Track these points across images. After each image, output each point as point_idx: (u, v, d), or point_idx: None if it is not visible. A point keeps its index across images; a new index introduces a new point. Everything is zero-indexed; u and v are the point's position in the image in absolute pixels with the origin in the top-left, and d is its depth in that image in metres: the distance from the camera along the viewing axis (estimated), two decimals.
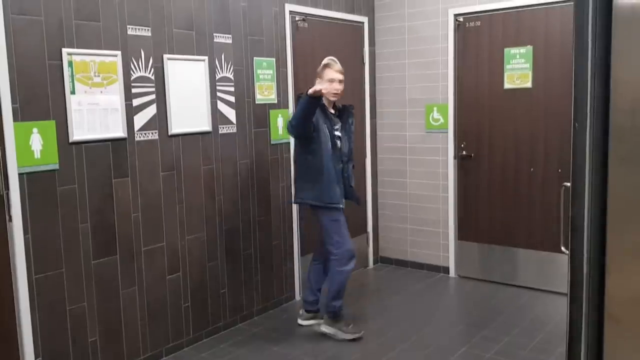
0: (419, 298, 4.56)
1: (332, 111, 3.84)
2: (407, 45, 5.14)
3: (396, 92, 5.24)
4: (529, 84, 4.54)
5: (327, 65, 3.77)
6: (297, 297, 4.56)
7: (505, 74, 4.65)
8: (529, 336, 3.77)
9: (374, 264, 5.47)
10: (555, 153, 4.45)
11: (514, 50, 4.58)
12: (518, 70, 4.58)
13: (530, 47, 4.50)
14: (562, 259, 4.48)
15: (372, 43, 5.27)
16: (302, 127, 3.57)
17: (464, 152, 4.92)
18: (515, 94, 4.61)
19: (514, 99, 4.61)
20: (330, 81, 3.72)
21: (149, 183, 3.47)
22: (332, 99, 3.79)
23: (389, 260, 5.45)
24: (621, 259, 1.64)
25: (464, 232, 5.01)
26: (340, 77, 3.78)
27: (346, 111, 3.93)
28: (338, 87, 3.76)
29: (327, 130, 3.70)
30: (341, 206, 3.76)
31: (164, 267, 3.58)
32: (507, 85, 4.65)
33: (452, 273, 5.06)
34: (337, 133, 3.80)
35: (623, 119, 1.60)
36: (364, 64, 5.21)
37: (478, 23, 4.75)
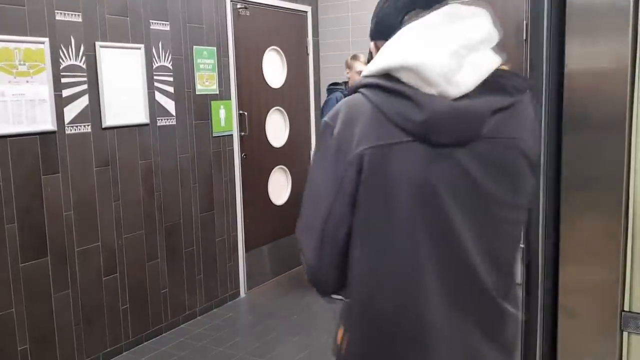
0: None
1: None
2: (351, 36, 5.06)
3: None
4: None
5: (356, 57, 3.88)
6: (243, 294, 4.43)
7: None
8: None
9: None
10: None
11: None
12: None
13: None
14: None
15: (315, 33, 5.16)
16: None
17: None
18: None
19: None
20: (358, 73, 3.81)
21: (82, 179, 3.25)
22: None
23: None
24: (573, 251, 1.63)
25: None
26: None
27: None
28: None
29: None
30: None
31: (100, 268, 3.37)
32: None
33: None
34: None
35: (576, 109, 1.57)
36: (307, 54, 5.10)
37: None
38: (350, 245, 1.16)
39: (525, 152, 1.13)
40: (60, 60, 3.11)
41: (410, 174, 1.09)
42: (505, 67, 1.16)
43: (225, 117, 4.18)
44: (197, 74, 3.94)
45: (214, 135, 4.10)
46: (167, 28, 3.72)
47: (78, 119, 3.21)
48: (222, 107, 4.16)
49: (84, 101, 3.24)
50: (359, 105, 1.14)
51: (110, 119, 3.37)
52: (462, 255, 1.10)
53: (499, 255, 1.15)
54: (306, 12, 5.05)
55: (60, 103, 3.12)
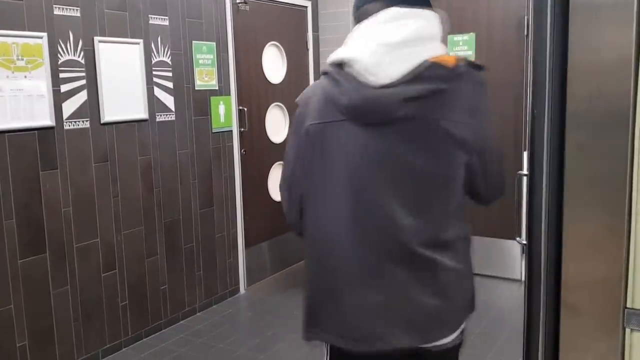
0: None
1: None
2: (349, 31, 5.03)
3: None
4: None
5: None
6: (242, 290, 4.42)
7: None
8: (474, 322, 3.78)
9: None
10: (498, 138, 4.47)
11: (457, 37, 4.57)
12: None
13: (473, 34, 4.50)
14: (499, 245, 4.54)
15: (315, 28, 5.14)
16: None
17: None
18: None
19: None
20: None
21: (81, 175, 3.24)
22: None
23: None
24: (577, 247, 1.61)
25: None
26: None
27: None
28: None
29: None
30: None
31: (99, 265, 3.36)
32: None
33: None
34: None
35: (580, 105, 1.56)
36: (307, 49, 5.08)
37: None
38: (303, 198, 1.53)
39: (448, 130, 1.36)
40: (59, 55, 3.09)
41: (342, 147, 1.41)
42: (441, 59, 1.36)
43: (225, 113, 4.17)
44: (196, 70, 3.92)
45: (213, 131, 4.09)
46: (166, 23, 3.70)
47: (76, 114, 3.19)
48: (221, 102, 4.14)
49: (82, 96, 3.22)
50: (315, 89, 1.50)
51: (109, 114, 3.35)
52: (387, 215, 1.38)
53: (423, 211, 1.40)
54: (306, 7, 5.03)
55: (59, 98, 3.10)
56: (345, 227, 1.42)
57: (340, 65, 1.41)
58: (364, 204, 1.41)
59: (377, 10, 1.41)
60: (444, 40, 1.49)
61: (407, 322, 1.43)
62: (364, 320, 1.44)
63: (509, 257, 4.53)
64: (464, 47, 4.54)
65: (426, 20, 1.40)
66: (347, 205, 1.42)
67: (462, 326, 1.53)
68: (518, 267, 4.44)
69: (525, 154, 4.37)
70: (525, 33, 4.24)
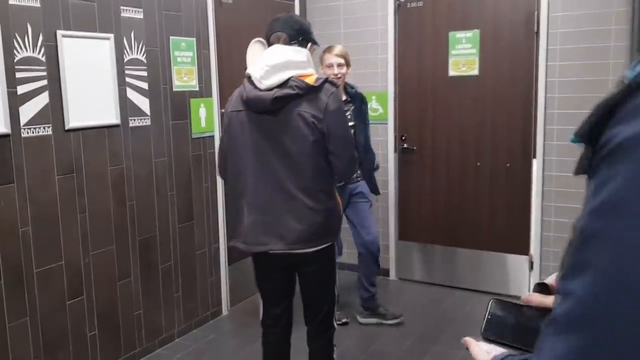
0: (357, 306, 4.12)
1: (342, 98, 3.52)
2: (342, 28, 4.67)
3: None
4: (475, 71, 4.20)
5: (325, 50, 3.62)
6: (225, 311, 4.02)
7: (450, 60, 4.28)
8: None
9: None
10: (504, 146, 4.15)
11: (459, 34, 4.22)
12: (464, 56, 4.23)
13: (477, 31, 4.16)
14: (509, 260, 4.22)
15: None
16: None
17: (405, 145, 4.53)
18: (460, 82, 4.26)
19: (460, 87, 4.26)
20: (328, 66, 3.57)
21: (42, 189, 2.81)
22: (337, 83, 3.53)
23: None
24: None
25: (404, 231, 4.64)
26: (339, 60, 3.57)
27: (359, 97, 3.70)
28: (336, 72, 3.54)
29: None
30: None
31: (64, 291, 2.94)
32: (452, 73, 4.29)
33: (392, 276, 4.69)
34: (350, 122, 3.53)
35: None
36: None
37: (420, 3, 4.35)
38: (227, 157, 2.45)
39: (304, 118, 2.25)
40: (15, 52, 2.67)
41: (244, 126, 2.35)
42: (303, 76, 2.28)
43: (206, 117, 3.76)
44: (174, 68, 3.51)
45: (193, 136, 3.68)
46: (141, 16, 3.28)
47: (36, 119, 2.77)
48: (202, 105, 3.73)
49: (43, 99, 2.79)
50: (237, 90, 2.44)
51: (74, 119, 2.93)
52: (273, 170, 2.31)
53: (294, 169, 2.30)
54: (293, 1, 4.64)
55: (15, 101, 2.68)
56: (250, 175, 2.35)
57: (250, 76, 2.35)
58: (260, 161, 2.33)
59: (273, 44, 2.40)
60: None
61: (279, 235, 2.33)
62: (255, 232, 2.37)
63: (517, 272, 4.20)
64: (467, 44, 4.20)
65: (296, 53, 2.32)
66: (250, 162, 2.34)
67: (324, 245, 2.40)
68: (526, 284, 4.12)
69: (534, 162, 4.05)
70: (535, 30, 3.91)
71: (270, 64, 2.26)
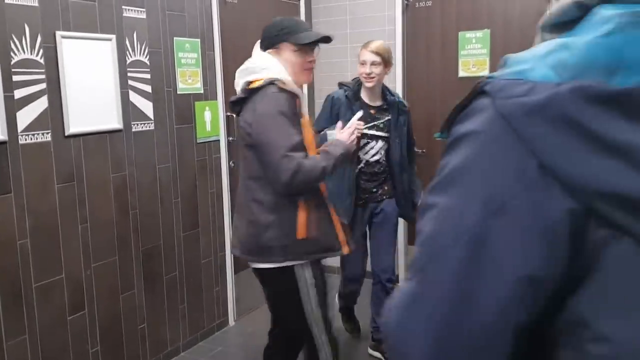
0: (368, 312, 3.96)
1: (376, 103, 3.18)
2: (348, 28, 4.54)
3: (336, 80, 4.61)
4: (486, 72, 4.07)
5: (362, 46, 3.16)
6: (232, 322, 3.88)
7: (460, 61, 4.16)
8: None
9: None
10: None
11: (469, 34, 4.10)
12: (474, 56, 4.11)
13: (487, 31, 4.03)
14: None
15: (308, 25, 4.62)
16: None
17: (415, 149, 4.39)
18: (471, 83, 4.10)
19: (470, 88, 4.13)
20: (361, 64, 3.10)
21: (40, 199, 2.66)
22: (367, 84, 3.11)
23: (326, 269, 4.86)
24: None
25: (413, 235, 4.50)
26: (373, 58, 3.07)
27: (397, 106, 3.20)
28: (367, 71, 3.07)
29: None
30: (345, 222, 2.84)
31: (64, 306, 2.79)
32: (461, 73, 4.17)
33: (402, 282, 4.55)
34: (372, 132, 3.12)
35: None
36: None
37: (429, 3, 4.22)
38: None
39: (241, 124, 2.28)
40: (12, 54, 2.52)
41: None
42: (253, 81, 2.27)
43: (211, 120, 3.62)
44: (178, 70, 3.37)
45: (198, 141, 3.53)
46: (143, 16, 3.14)
47: (35, 125, 2.62)
48: (207, 108, 3.59)
49: (42, 104, 2.65)
50: None
51: (74, 124, 2.78)
52: (241, 171, 2.38)
53: (243, 176, 2.34)
54: (298, 1, 4.51)
55: (12, 106, 2.53)
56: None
57: None
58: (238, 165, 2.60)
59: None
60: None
61: (239, 241, 2.33)
62: (233, 234, 2.44)
63: None
64: (477, 45, 4.07)
65: (259, 59, 2.32)
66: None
67: (268, 265, 2.26)
68: None
69: None
70: None
71: (238, 70, 2.37)
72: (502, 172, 0.56)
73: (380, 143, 3.17)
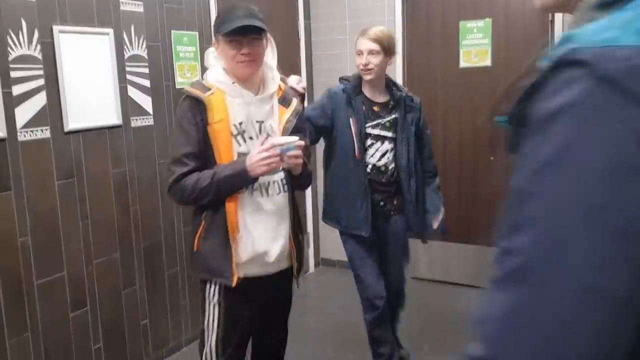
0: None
1: (380, 99, 2.81)
2: (347, 19, 4.49)
3: (335, 73, 4.57)
4: (488, 62, 4.04)
5: (359, 34, 2.78)
6: None
7: (461, 51, 4.12)
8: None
9: (314, 267, 4.86)
10: None
11: (470, 24, 4.06)
12: (475, 46, 4.07)
13: (489, 20, 4.00)
14: None
15: (307, 15, 4.58)
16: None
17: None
18: (472, 73, 4.10)
19: (472, 78, 4.11)
20: (358, 54, 2.73)
21: (40, 196, 2.64)
22: (365, 77, 2.74)
23: (330, 262, 4.86)
24: None
25: None
26: (371, 46, 2.68)
27: (404, 102, 2.81)
28: (364, 61, 2.69)
29: (352, 128, 2.72)
30: (363, 234, 2.76)
31: (66, 303, 2.78)
32: (463, 64, 4.13)
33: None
34: (377, 132, 2.77)
35: None
36: (299, 39, 4.52)
37: None
38: None
39: None
40: (9, 50, 2.49)
41: None
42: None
43: None
44: (176, 64, 3.33)
45: None
46: (141, 9, 3.10)
47: (33, 122, 2.59)
48: None
49: (40, 100, 2.62)
50: None
51: (73, 121, 2.75)
52: None
53: None
54: None
55: (10, 103, 2.50)
56: None
57: None
58: None
59: None
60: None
61: None
62: None
63: None
64: (478, 34, 4.04)
65: (206, 55, 2.24)
66: None
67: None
68: None
69: None
70: (550, 18, 3.76)
71: None
72: (621, 138, 0.50)
73: (386, 144, 2.78)
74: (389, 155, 2.79)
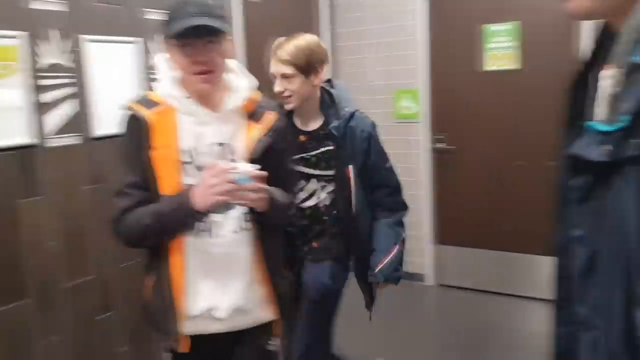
0: (391, 314, 3.74)
1: (309, 127, 2.26)
2: (371, 24, 4.50)
3: (358, 77, 4.58)
4: (515, 65, 3.99)
5: (272, 51, 2.26)
6: None
7: (486, 54, 4.08)
8: (492, 347, 3.25)
9: None
10: (547, 144, 3.94)
11: (494, 27, 4.02)
12: (501, 49, 4.03)
13: (517, 23, 3.95)
14: (525, 261, 4.03)
15: (332, 20, 4.60)
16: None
17: (442, 145, 4.35)
18: (499, 77, 4.06)
19: (498, 82, 4.06)
20: (272, 78, 2.22)
21: (69, 201, 2.70)
22: (286, 107, 2.20)
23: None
24: None
25: (443, 234, 4.45)
26: (282, 69, 2.16)
27: (353, 134, 2.19)
28: (278, 88, 2.19)
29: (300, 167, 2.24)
30: None
31: (93, 306, 2.83)
32: (488, 67, 4.09)
33: (428, 281, 4.50)
34: (310, 171, 2.24)
35: None
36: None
37: None
38: None
39: None
40: (39, 59, 2.56)
41: None
42: None
43: None
44: None
45: None
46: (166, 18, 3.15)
47: (62, 129, 2.66)
48: None
49: (68, 107, 2.68)
50: None
51: (100, 127, 2.81)
52: None
53: None
54: None
55: (39, 110, 2.57)
56: None
57: None
58: None
59: None
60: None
61: None
62: None
63: (536, 274, 3.99)
64: (506, 38, 3.99)
65: (157, 61, 1.80)
66: None
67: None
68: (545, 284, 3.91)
69: None
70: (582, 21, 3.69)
71: None
72: None
73: (312, 183, 2.24)
74: (321, 195, 2.25)
